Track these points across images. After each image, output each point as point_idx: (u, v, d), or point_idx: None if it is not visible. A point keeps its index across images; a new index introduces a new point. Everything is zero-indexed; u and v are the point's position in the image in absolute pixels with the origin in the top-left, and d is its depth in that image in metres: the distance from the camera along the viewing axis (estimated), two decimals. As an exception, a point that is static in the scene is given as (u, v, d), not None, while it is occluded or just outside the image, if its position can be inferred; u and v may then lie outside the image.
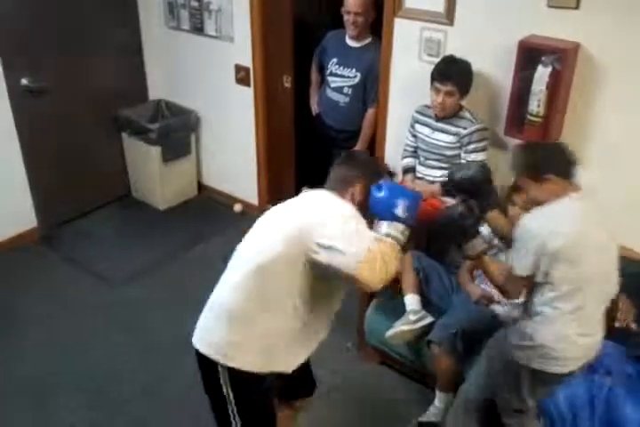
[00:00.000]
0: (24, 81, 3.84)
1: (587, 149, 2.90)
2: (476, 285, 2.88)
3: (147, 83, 4.52)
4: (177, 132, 4.33)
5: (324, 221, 1.90)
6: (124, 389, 3.07)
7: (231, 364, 1.99)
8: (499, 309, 2.77)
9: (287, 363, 2.08)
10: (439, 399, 2.70)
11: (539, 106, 2.87)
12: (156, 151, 4.26)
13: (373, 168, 2.22)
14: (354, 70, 3.70)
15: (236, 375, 2.00)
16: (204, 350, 2.05)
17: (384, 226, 2.01)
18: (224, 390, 2.03)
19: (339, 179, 2.15)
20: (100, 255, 4.02)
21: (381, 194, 2.02)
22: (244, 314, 1.98)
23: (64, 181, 4.23)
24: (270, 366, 2.03)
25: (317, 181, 4.15)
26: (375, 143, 3.72)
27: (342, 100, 3.79)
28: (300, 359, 2.12)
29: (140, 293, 3.71)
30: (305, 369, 2.27)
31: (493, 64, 3.02)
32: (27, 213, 4.10)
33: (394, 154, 3.56)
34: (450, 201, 3.14)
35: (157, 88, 4.53)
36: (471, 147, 3.02)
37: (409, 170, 3.32)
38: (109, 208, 4.51)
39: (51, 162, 4.13)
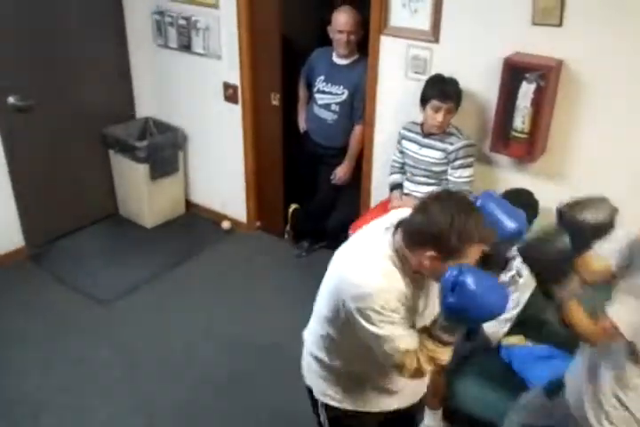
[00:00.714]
0: (11, 99, 3.83)
1: (570, 165, 2.93)
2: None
3: (134, 100, 4.52)
4: (164, 149, 4.33)
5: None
6: (109, 408, 3.03)
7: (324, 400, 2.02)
8: (486, 326, 2.76)
9: (380, 404, 2.00)
10: (428, 417, 2.68)
11: (523, 122, 2.90)
12: (143, 169, 4.25)
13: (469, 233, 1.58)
14: (341, 87, 3.73)
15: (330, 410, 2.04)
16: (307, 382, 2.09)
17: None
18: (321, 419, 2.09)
19: (414, 230, 1.64)
20: (88, 274, 3.98)
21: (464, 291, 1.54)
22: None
23: (51, 200, 4.20)
24: (364, 405, 1.99)
25: (305, 197, 4.22)
26: (362, 160, 3.74)
27: (330, 117, 3.81)
28: (396, 403, 2.02)
29: (128, 311, 3.68)
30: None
31: (479, 81, 3.05)
32: (14, 231, 4.07)
33: (381, 171, 3.57)
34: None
35: (145, 106, 4.53)
36: (458, 163, 3.05)
37: (396, 186, 3.34)
38: (97, 226, 4.48)
39: (38, 180, 4.11)
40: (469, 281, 1.51)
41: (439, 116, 2.99)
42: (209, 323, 3.60)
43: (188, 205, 4.72)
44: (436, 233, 1.56)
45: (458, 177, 3.06)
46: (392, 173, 3.37)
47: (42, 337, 3.46)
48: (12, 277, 3.93)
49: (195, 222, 4.60)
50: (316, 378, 2.01)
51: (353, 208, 3.86)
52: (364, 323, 1.66)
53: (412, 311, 1.71)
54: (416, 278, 1.69)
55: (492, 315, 1.57)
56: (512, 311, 2.82)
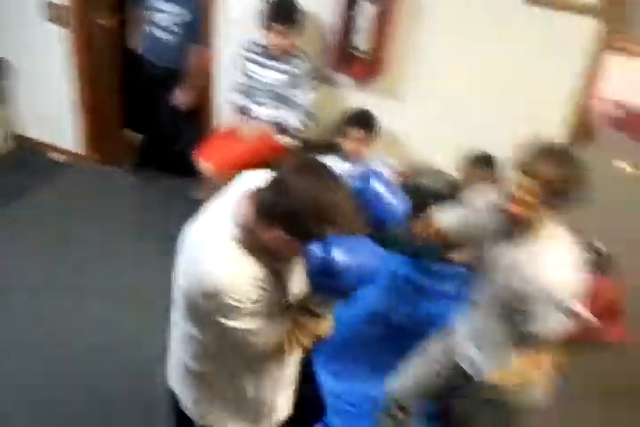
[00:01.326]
0: None
1: (410, 85, 3.03)
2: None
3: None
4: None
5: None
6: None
7: None
8: None
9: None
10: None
11: (364, 42, 2.93)
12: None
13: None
14: (176, 6, 3.51)
15: None
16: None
17: None
18: None
19: (266, 206, 1.40)
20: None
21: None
22: None
23: None
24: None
25: (145, 125, 4.01)
26: (205, 80, 3.59)
27: (168, 37, 3.60)
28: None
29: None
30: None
31: (320, 1, 3.01)
32: None
33: (225, 93, 3.47)
34: (284, 139, 3.15)
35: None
36: (302, 85, 3.04)
37: (242, 109, 3.27)
38: None
39: None
40: (340, 261, 1.32)
41: (280, 40, 2.94)
42: (50, 276, 3.31)
43: (19, 139, 4.33)
44: (290, 214, 1.34)
45: (303, 99, 3.06)
46: (236, 96, 3.28)
47: None
48: None
49: (26, 158, 4.23)
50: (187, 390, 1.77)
51: (197, 132, 3.73)
52: (223, 320, 1.44)
53: (280, 293, 1.52)
54: (276, 257, 1.46)
55: (368, 281, 1.42)
56: None
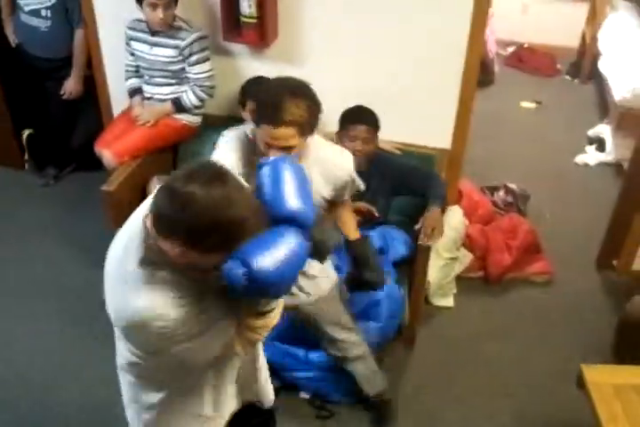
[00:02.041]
0: None
1: (303, 49, 2.96)
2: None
3: None
4: None
5: None
6: None
7: None
8: None
9: None
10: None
11: (250, 6, 2.83)
12: None
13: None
14: (40, -14, 3.28)
15: None
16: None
17: None
18: None
19: (162, 216, 1.23)
20: None
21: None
22: None
23: None
24: None
25: (38, 120, 3.78)
26: (92, 69, 3.41)
27: (42, 24, 3.37)
28: None
29: None
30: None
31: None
32: None
33: (117, 77, 3.30)
34: (185, 118, 3.04)
35: None
36: (193, 58, 2.90)
37: (135, 91, 3.11)
38: None
39: None
40: (264, 268, 1.21)
41: (159, 13, 2.78)
42: None
43: None
44: (190, 231, 1.18)
45: (197, 73, 2.93)
46: (128, 78, 3.12)
47: None
48: None
49: None
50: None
51: (94, 122, 3.55)
52: (160, 347, 1.36)
53: (211, 300, 1.38)
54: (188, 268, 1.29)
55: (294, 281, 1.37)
56: None
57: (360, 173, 2.58)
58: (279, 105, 1.79)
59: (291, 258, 1.26)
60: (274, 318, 1.47)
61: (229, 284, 1.23)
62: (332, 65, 2.96)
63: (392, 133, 2.85)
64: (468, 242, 3.20)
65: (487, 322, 3.06)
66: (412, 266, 2.66)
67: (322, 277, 2.24)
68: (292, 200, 1.35)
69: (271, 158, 1.51)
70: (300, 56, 2.99)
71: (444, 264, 3.00)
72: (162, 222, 1.21)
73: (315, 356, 2.51)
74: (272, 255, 1.23)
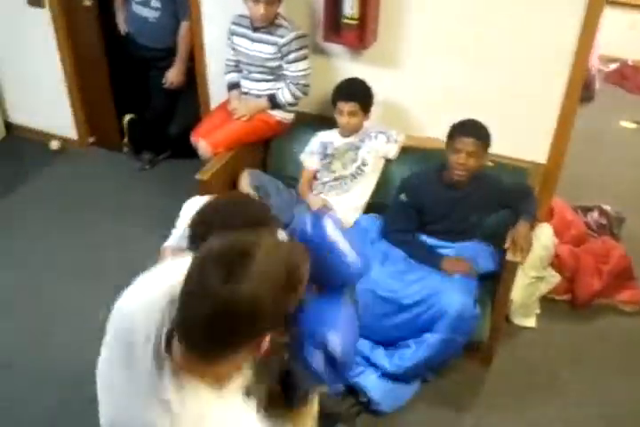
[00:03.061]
0: None
1: (402, 52, 2.92)
2: (316, 195, 2.90)
3: None
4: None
5: None
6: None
7: None
8: (339, 215, 2.82)
9: None
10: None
11: (352, 8, 2.82)
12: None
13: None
14: (156, -20, 3.40)
15: None
16: None
17: None
18: None
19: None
20: None
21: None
22: None
23: None
24: None
25: (139, 107, 3.93)
26: (194, 61, 3.50)
27: (151, 15, 3.50)
28: None
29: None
30: None
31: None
32: None
33: (217, 70, 3.37)
34: (279, 114, 3.08)
35: None
36: (292, 56, 2.93)
37: (234, 86, 3.17)
38: None
39: None
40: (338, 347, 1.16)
41: (260, 8, 2.82)
42: (51, 262, 3.31)
43: (10, 127, 4.25)
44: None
45: (294, 71, 2.95)
46: (228, 72, 3.19)
47: None
48: None
49: (18, 146, 4.17)
50: None
51: (192, 112, 3.65)
52: None
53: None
54: None
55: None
56: (364, 198, 2.89)
57: (459, 190, 2.55)
58: None
59: (354, 328, 1.23)
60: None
61: (313, 373, 1.18)
62: (430, 71, 2.91)
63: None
64: (556, 262, 3.06)
65: (569, 347, 2.93)
66: (496, 282, 2.59)
67: None
68: (353, 259, 1.28)
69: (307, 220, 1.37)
70: (398, 60, 2.95)
71: (529, 283, 2.89)
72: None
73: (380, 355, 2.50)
74: (344, 331, 1.19)
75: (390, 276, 2.48)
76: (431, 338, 2.40)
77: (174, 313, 1.06)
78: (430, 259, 2.59)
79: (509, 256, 2.43)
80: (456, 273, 2.51)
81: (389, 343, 2.52)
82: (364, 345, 2.52)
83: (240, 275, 0.98)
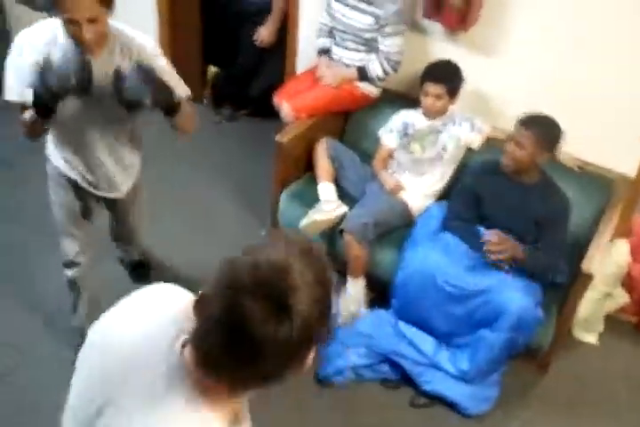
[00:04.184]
0: None
1: (502, 39, 2.86)
2: (390, 173, 2.92)
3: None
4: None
5: None
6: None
7: None
8: (410, 198, 2.85)
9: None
10: (351, 285, 2.82)
11: (460, -12, 2.76)
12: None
13: None
14: None
15: None
16: None
17: None
18: None
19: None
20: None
21: None
22: None
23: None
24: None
25: (226, 59, 3.96)
26: (288, 20, 3.50)
27: (253, -30, 3.50)
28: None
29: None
30: None
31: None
32: None
33: (309, 32, 3.37)
34: (366, 87, 3.08)
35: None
36: (388, 30, 2.89)
37: (324, 51, 3.17)
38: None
39: None
40: None
41: None
42: None
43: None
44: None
45: (388, 46, 2.92)
46: (320, 37, 3.18)
47: None
48: None
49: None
50: None
51: (278, 73, 3.68)
52: None
53: None
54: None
55: None
56: (438, 185, 2.90)
57: (521, 187, 2.52)
58: None
59: None
60: None
61: None
62: (527, 63, 2.84)
63: (575, 148, 2.73)
64: (627, 281, 2.96)
65: (629, 370, 2.86)
66: (565, 292, 2.57)
67: None
68: None
69: None
70: (495, 46, 2.90)
71: (597, 298, 2.84)
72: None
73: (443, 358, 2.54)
74: None
75: (452, 265, 2.51)
76: (491, 336, 2.43)
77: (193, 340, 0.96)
78: (477, 244, 2.57)
79: (585, 268, 2.41)
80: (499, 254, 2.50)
81: (444, 335, 2.58)
82: (429, 344, 2.56)
83: (289, 310, 0.87)
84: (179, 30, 3.96)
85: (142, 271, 2.99)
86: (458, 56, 2.89)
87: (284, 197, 3.04)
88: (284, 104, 3.09)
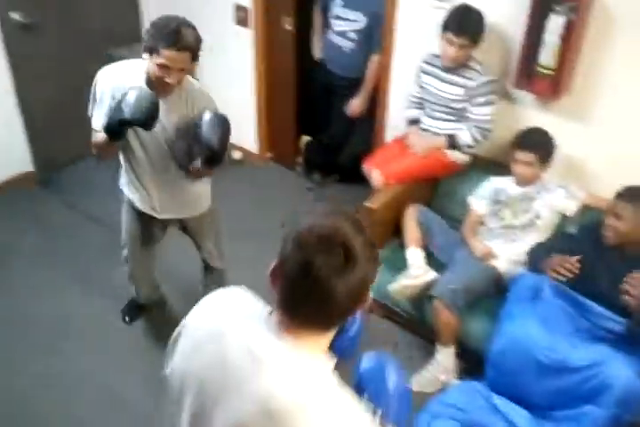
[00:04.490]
0: (15, 15, 3.68)
1: (595, 106, 2.85)
2: (480, 240, 2.89)
3: (141, 21, 4.34)
4: (172, 74, 4.18)
5: None
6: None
7: None
8: (500, 265, 2.79)
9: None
10: (440, 354, 2.76)
11: (550, 58, 2.79)
12: (151, 94, 4.13)
13: None
14: (359, 14, 3.56)
15: None
16: None
17: None
18: None
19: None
20: (95, 200, 3.96)
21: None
22: None
23: (58, 124, 4.11)
24: None
25: (317, 129, 4.14)
26: (378, 92, 3.63)
27: (346, 45, 3.67)
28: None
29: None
30: None
31: (506, 12, 2.91)
32: (23, 155, 4.05)
33: (398, 104, 3.48)
34: (455, 155, 3.11)
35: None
36: (479, 100, 2.96)
37: (414, 121, 3.26)
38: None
39: (45, 104, 4.01)
40: None
41: (452, 51, 2.87)
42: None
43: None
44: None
45: (478, 114, 2.98)
46: (410, 108, 3.28)
47: (50, 256, 3.55)
48: (22, 200, 3.95)
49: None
50: None
51: (367, 142, 3.79)
52: None
53: None
54: None
55: None
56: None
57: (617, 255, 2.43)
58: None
59: None
60: None
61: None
62: (622, 131, 2.80)
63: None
64: None
65: None
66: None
67: None
68: None
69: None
70: (589, 115, 2.88)
71: None
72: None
73: None
74: None
75: (552, 336, 2.41)
76: (595, 412, 2.29)
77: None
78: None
79: None
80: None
81: (542, 409, 2.44)
82: (524, 419, 2.44)
83: (351, 258, 1.07)
84: (276, 103, 4.19)
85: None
86: (550, 123, 2.89)
87: (372, 262, 3.04)
88: (375, 171, 3.16)
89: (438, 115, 3.12)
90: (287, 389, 1.09)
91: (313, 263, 1.05)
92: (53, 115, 4.08)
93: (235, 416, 1.12)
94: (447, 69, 3.01)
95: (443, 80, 3.03)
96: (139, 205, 2.61)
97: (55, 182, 4.14)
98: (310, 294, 1.08)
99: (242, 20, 3.95)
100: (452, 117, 3.08)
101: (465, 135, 3.03)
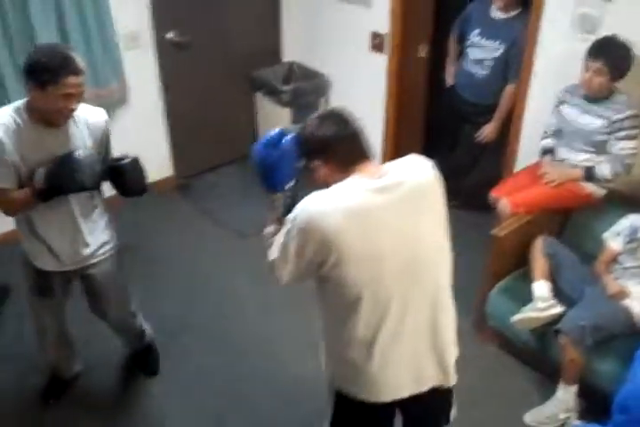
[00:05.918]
0: (169, 35, 3.98)
1: None
2: (613, 278, 2.78)
3: (281, 44, 4.55)
4: (308, 95, 4.35)
5: None
6: (244, 338, 3.24)
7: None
8: (634, 306, 2.67)
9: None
10: (562, 391, 2.66)
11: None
12: (286, 113, 4.31)
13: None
14: (497, 42, 3.58)
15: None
16: None
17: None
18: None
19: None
20: (227, 207, 4.21)
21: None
22: None
23: (199, 135, 4.41)
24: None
25: (440, 154, 4.14)
26: (511, 119, 3.61)
27: (482, 73, 3.69)
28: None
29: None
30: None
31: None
32: (165, 161, 4.40)
33: (530, 133, 3.44)
34: (591, 188, 3.03)
35: (291, 50, 4.55)
36: (622, 134, 2.87)
37: (548, 151, 3.20)
38: (237, 164, 4.64)
39: (189, 115, 4.31)
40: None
41: (587, 76, 2.82)
42: None
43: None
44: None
45: (620, 149, 2.88)
46: (545, 138, 3.22)
47: (186, 261, 3.79)
48: (163, 203, 4.26)
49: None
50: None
51: (493, 169, 3.76)
52: None
53: None
54: None
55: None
56: None
57: None
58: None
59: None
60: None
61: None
62: None
63: None
64: None
65: None
66: None
67: None
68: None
69: None
70: None
71: None
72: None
73: None
74: None
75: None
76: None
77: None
78: None
79: None
80: None
81: None
82: None
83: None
84: (403, 127, 4.25)
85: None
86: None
87: (495, 290, 3.01)
88: (503, 199, 3.13)
89: (577, 146, 3.04)
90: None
91: (346, 118, 1.83)
92: (194, 126, 4.37)
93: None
94: (590, 100, 2.94)
95: (584, 111, 2.97)
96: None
97: (191, 188, 4.46)
98: (358, 136, 1.82)
99: (376, 46, 4.05)
100: (590, 149, 3.00)
101: (605, 168, 2.94)
